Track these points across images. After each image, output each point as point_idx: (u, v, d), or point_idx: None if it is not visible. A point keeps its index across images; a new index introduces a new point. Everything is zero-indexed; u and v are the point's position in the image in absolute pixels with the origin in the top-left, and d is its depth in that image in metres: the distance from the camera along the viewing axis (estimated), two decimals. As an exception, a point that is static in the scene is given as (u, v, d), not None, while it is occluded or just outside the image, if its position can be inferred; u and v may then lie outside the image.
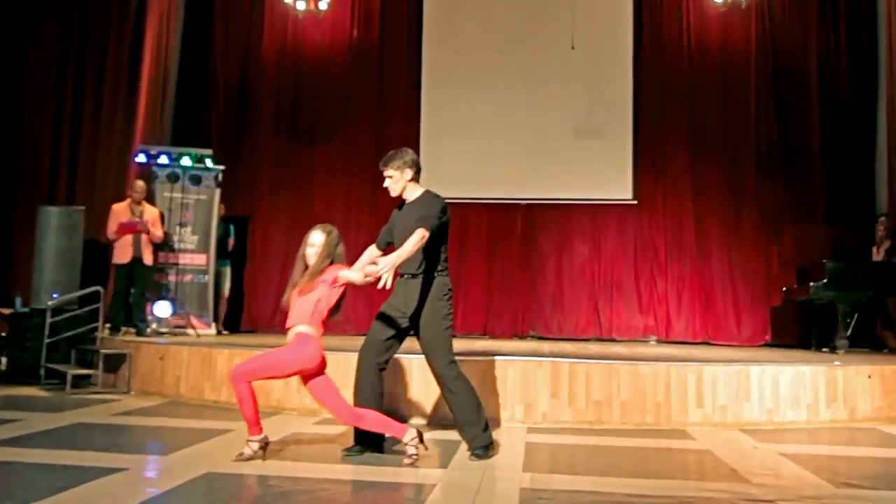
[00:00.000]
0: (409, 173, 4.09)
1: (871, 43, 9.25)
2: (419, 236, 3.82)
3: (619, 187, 9.61)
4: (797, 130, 9.37)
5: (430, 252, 4.02)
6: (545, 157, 9.56)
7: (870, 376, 5.46)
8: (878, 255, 8.20)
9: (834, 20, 9.48)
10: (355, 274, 3.78)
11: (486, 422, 4.06)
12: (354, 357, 5.47)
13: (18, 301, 7.66)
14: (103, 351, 6.61)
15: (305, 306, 3.80)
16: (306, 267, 3.86)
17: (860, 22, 9.37)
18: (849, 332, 7.48)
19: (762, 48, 9.52)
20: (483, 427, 4.02)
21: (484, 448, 3.99)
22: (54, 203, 8.39)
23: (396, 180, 4.09)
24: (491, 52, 9.83)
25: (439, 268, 4.07)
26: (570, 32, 9.27)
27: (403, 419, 4.81)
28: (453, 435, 4.63)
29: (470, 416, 4.01)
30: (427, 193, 4.14)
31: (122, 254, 7.54)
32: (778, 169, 9.37)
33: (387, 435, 3.96)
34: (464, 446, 4.16)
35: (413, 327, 4.07)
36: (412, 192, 4.13)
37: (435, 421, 5.03)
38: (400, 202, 4.21)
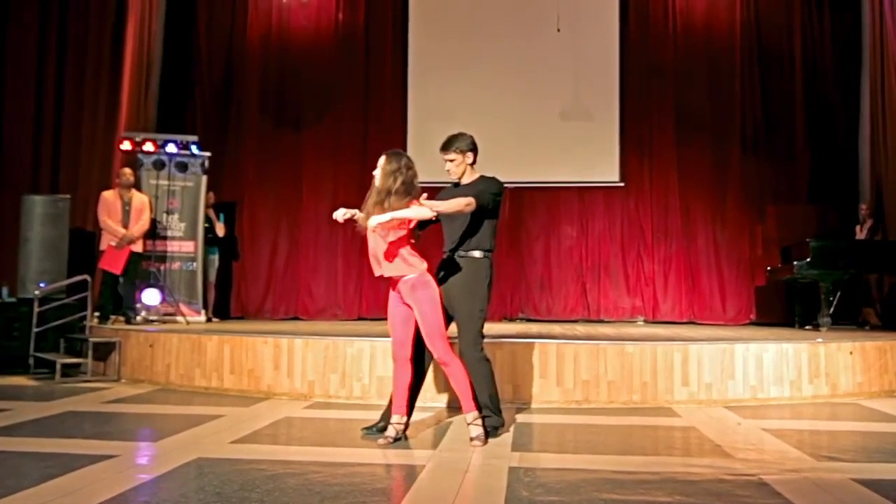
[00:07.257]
0: (470, 157, 4.11)
1: (855, 24, 9.30)
2: (465, 202, 3.86)
3: (605, 169, 9.64)
4: (781, 111, 9.44)
5: (479, 232, 4.01)
6: (532, 139, 9.56)
7: (851, 353, 5.55)
8: (861, 233, 8.30)
9: (818, 1, 9.50)
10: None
11: (498, 408, 4.09)
12: (344, 341, 5.51)
13: (5, 291, 7.62)
14: (92, 339, 6.60)
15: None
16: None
17: (844, 3, 9.41)
18: (831, 309, 7.58)
19: (747, 29, 9.55)
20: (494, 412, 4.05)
21: (493, 428, 4.00)
22: (38, 192, 8.31)
23: (458, 163, 4.10)
24: (477, 35, 9.79)
25: (487, 247, 4.05)
26: (556, 15, 9.24)
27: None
28: (443, 416, 4.68)
29: (483, 400, 3.99)
30: (483, 176, 4.15)
31: (109, 242, 7.49)
32: (762, 149, 9.44)
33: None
34: (455, 427, 4.21)
35: (448, 306, 4.01)
36: (469, 176, 4.15)
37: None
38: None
